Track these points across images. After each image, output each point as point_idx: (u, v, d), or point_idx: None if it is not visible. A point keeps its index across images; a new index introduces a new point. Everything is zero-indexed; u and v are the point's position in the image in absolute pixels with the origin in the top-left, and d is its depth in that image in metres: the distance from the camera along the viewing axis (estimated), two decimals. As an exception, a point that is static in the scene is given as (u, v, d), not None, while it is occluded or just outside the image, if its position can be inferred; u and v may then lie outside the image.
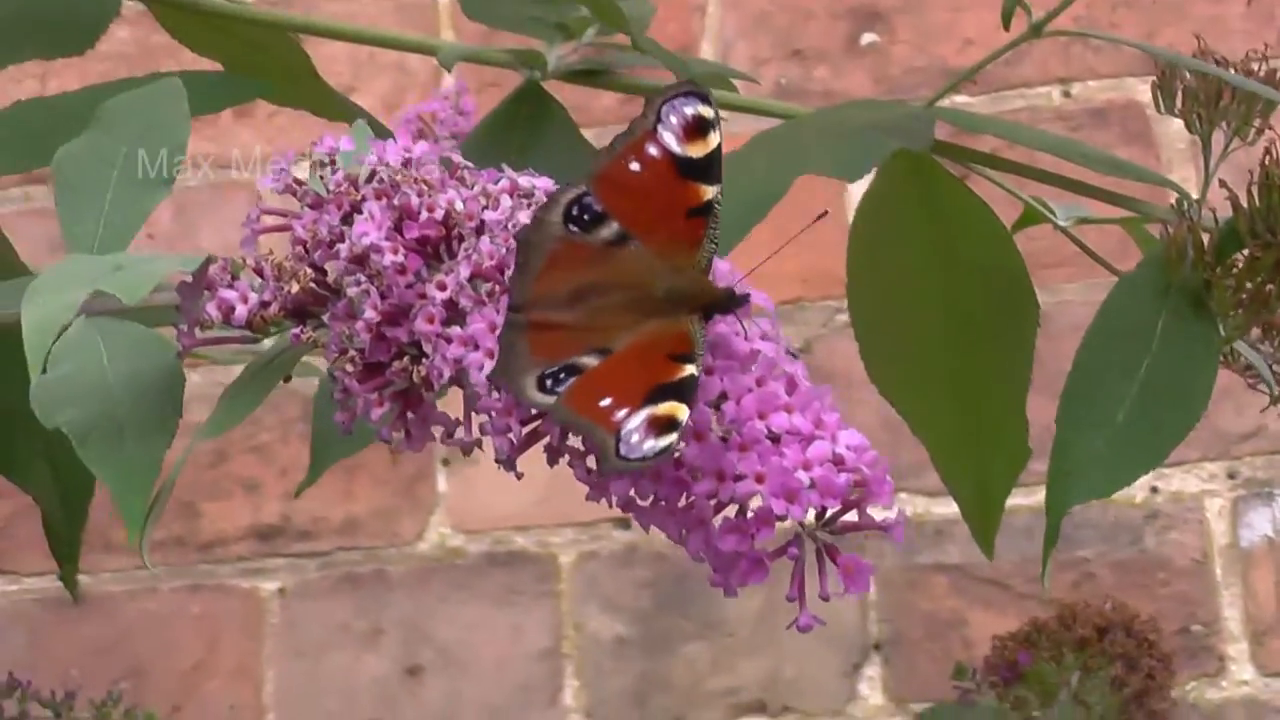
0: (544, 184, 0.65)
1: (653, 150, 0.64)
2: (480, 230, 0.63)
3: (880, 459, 0.60)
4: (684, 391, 0.59)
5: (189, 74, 0.76)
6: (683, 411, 0.58)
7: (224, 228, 1.76)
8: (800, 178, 0.86)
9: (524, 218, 0.63)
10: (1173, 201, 0.86)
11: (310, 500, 1.65)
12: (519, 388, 0.60)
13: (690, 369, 0.59)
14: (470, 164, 0.66)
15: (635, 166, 0.64)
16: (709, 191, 0.64)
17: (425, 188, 0.64)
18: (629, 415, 0.58)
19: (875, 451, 0.60)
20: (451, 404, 0.65)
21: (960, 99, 1.72)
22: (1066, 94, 1.72)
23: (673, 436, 0.57)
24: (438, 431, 0.65)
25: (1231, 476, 1.60)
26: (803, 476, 0.59)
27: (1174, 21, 1.69)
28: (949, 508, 1.57)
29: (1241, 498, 1.60)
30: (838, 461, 0.59)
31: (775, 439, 0.59)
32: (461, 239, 0.64)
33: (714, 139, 0.65)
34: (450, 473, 1.68)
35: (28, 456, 0.99)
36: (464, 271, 0.62)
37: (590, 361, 0.60)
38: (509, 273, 0.62)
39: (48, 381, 0.66)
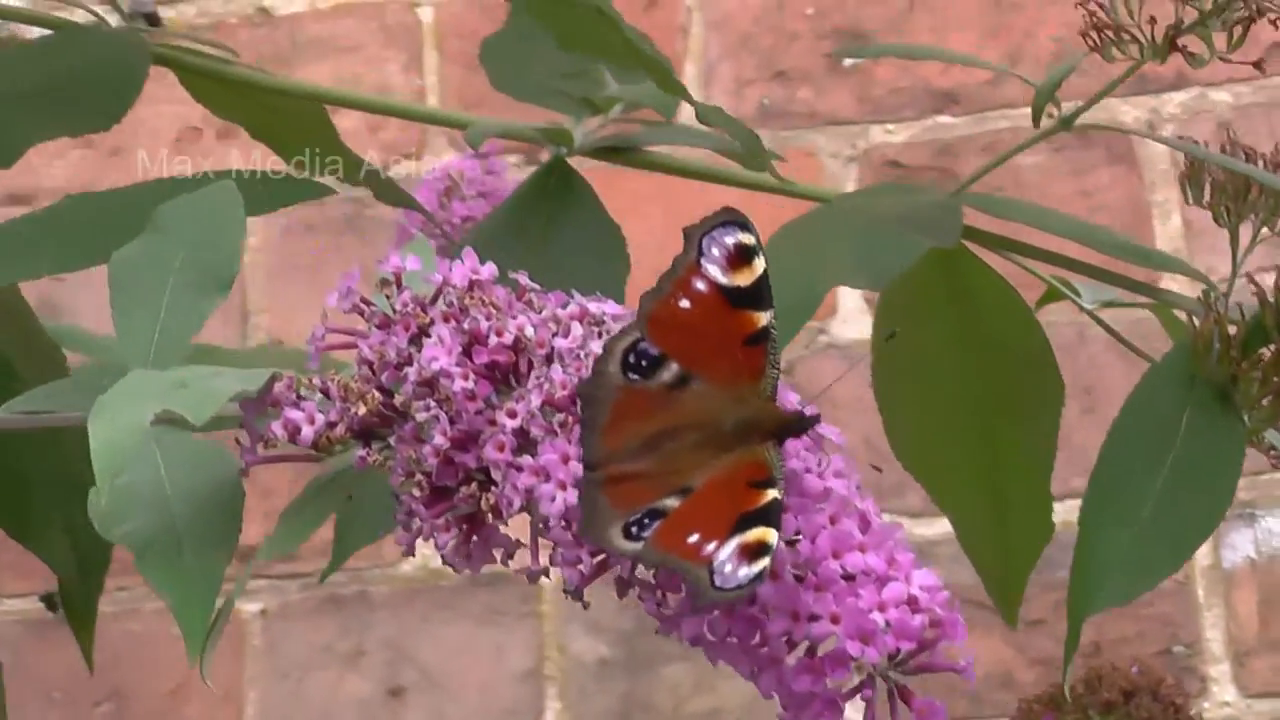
0: (612, 309, 0.65)
1: (700, 285, 0.64)
2: (551, 358, 0.63)
3: (953, 599, 0.60)
4: (770, 516, 0.59)
5: (241, 176, 0.76)
6: (772, 535, 0.58)
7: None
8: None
9: (596, 347, 0.63)
10: (1200, 293, 0.87)
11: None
12: (606, 541, 0.60)
13: (773, 493, 0.60)
14: (537, 286, 0.66)
15: (685, 304, 0.64)
16: (763, 318, 0.64)
17: (494, 311, 0.64)
18: (719, 547, 0.58)
19: (948, 592, 0.60)
20: (514, 523, 0.65)
21: (943, 119, 1.72)
22: (1051, 114, 1.72)
23: (765, 561, 0.57)
24: (498, 554, 0.65)
25: (1214, 498, 1.62)
26: (878, 618, 0.59)
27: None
28: (932, 529, 1.58)
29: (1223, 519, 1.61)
30: (912, 603, 0.60)
31: (850, 579, 0.60)
32: (531, 365, 0.64)
33: (759, 265, 0.65)
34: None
35: (45, 525, 0.98)
36: (535, 400, 0.63)
37: (672, 503, 0.60)
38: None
39: (106, 493, 0.66)
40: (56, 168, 1.75)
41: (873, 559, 0.60)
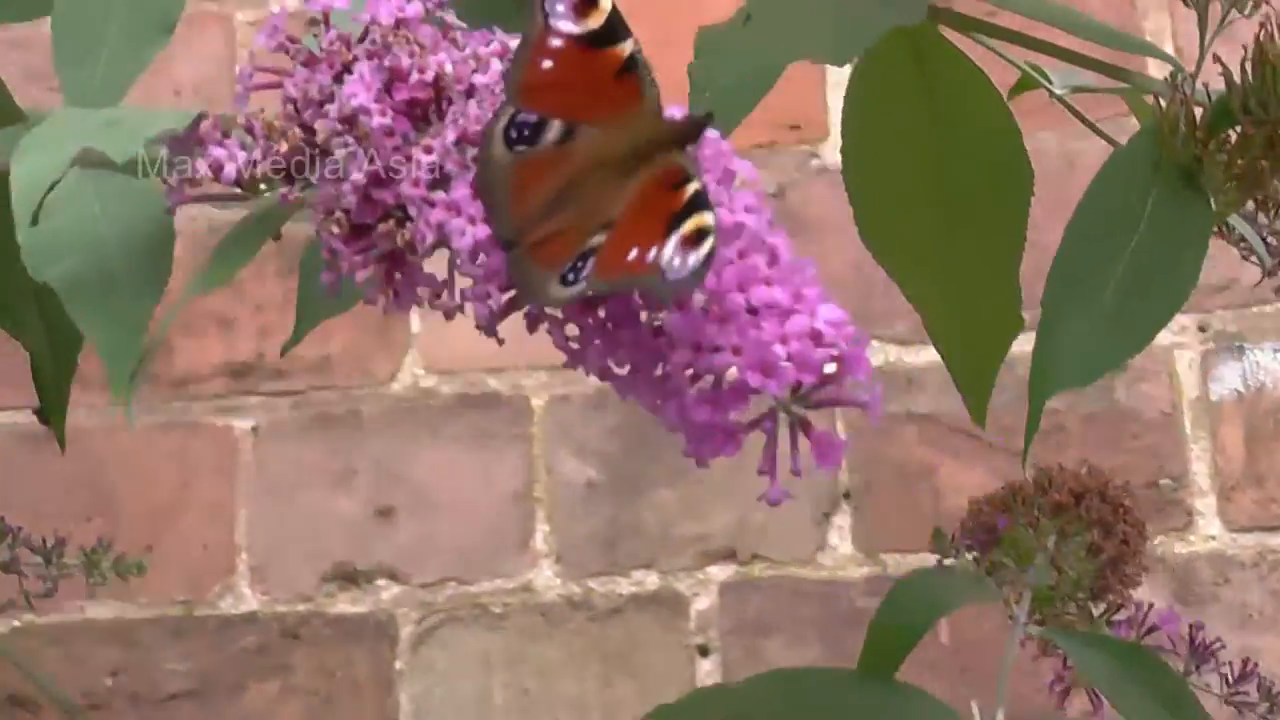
0: (534, 43, 0.65)
1: (555, 42, 0.65)
2: (469, 94, 0.64)
3: (860, 335, 0.60)
4: (698, 203, 0.60)
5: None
6: (707, 218, 0.59)
7: (198, 62, 1.76)
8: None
9: (513, 81, 0.64)
10: (1167, 75, 0.86)
11: (284, 339, 1.66)
12: (546, 298, 0.61)
13: (693, 184, 0.60)
14: (463, 25, 0.66)
15: (548, 64, 0.64)
16: (625, 48, 0.65)
17: (418, 49, 0.64)
18: (659, 250, 0.58)
19: (854, 327, 0.60)
20: (437, 264, 0.66)
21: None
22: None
23: (709, 241, 0.58)
24: (423, 294, 0.66)
25: (1202, 330, 1.62)
26: (779, 350, 0.59)
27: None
28: (920, 357, 1.59)
29: (1211, 351, 1.62)
30: (815, 336, 0.60)
31: (754, 312, 0.60)
32: (450, 102, 0.64)
33: (605, 4, 0.65)
34: (424, 313, 1.68)
35: (19, 304, 0.98)
36: (450, 136, 0.63)
37: (599, 240, 0.61)
38: None
39: (40, 234, 0.66)
40: None
41: (778, 293, 0.60)
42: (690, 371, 0.60)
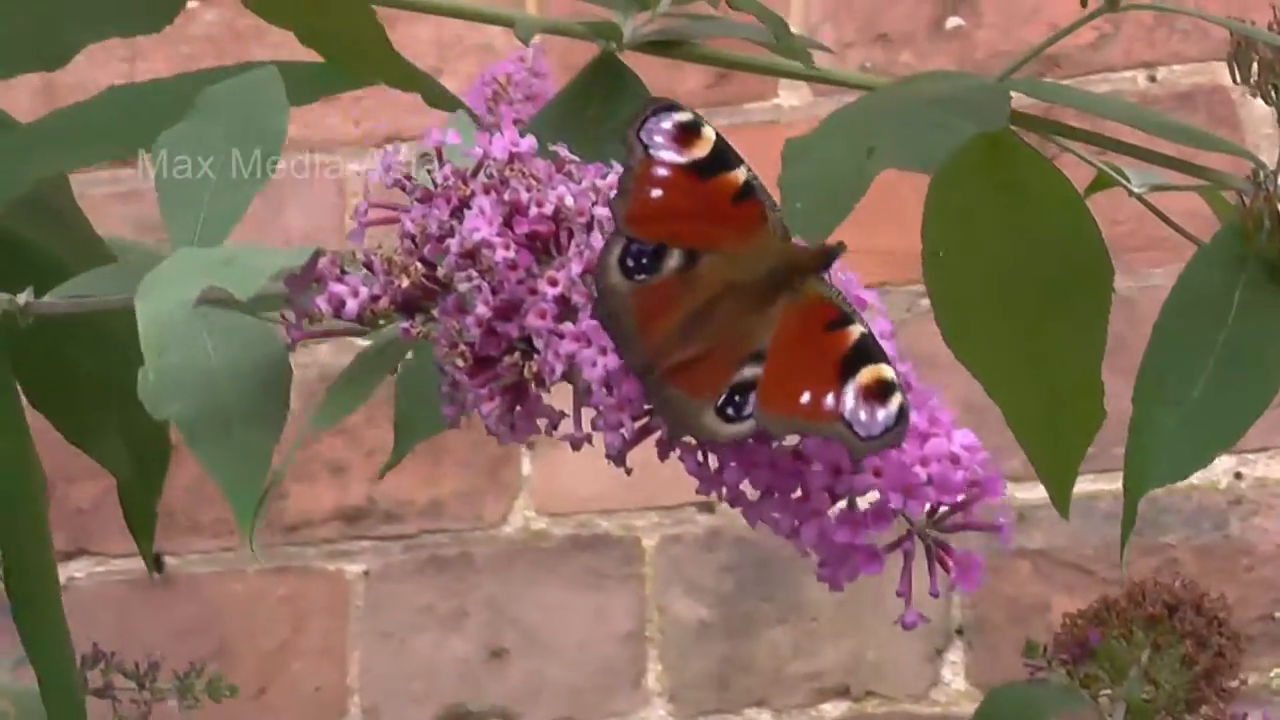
0: (654, 175, 0.65)
1: (662, 172, 0.64)
2: (590, 226, 0.63)
3: (991, 460, 0.60)
4: (870, 352, 0.59)
5: (283, 64, 0.76)
6: (887, 371, 0.58)
7: (309, 212, 1.77)
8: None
9: (635, 214, 0.63)
10: (1250, 172, 0.86)
11: (395, 483, 1.66)
12: (703, 430, 0.60)
13: (856, 329, 0.60)
14: (577, 157, 0.66)
15: (657, 193, 0.64)
16: (740, 174, 0.65)
17: (534, 182, 0.64)
18: (838, 398, 0.58)
19: (987, 452, 0.60)
20: (557, 395, 0.65)
21: (1045, 82, 1.70)
22: (1152, 78, 1.70)
23: (898, 397, 0.58)
24: (542, 424, 0.65)
25: (1317, 462, 1.60)
26: (920, 472, 0.59)
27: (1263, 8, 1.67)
28: (1032, 492, 1.56)
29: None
30: (954, 459, 0.59)
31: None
32: (571, 234, 0.64)
33: (709, 133, 0.65)
34: (534, 455, 1.68)
35: (103, 429, 0.98)
36: (576, 268, 0.63)
37: (752, 372, 0.60)
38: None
39: (155, 371, 0.66)
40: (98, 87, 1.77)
41: (915, 416, 0.60)
42: (829, 493, 0.60)
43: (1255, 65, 0.87)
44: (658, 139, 0.64)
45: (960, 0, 1.75)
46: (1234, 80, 0.86)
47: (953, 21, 1.75)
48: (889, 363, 0.59)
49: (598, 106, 0.94)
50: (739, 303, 0.62)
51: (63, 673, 0.81)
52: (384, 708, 1.67)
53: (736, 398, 0.60)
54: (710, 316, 0.62)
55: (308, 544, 1.70)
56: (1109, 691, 1.06)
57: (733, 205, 0.64)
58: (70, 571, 1.69)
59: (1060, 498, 0.97)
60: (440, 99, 1.01)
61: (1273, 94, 0.86)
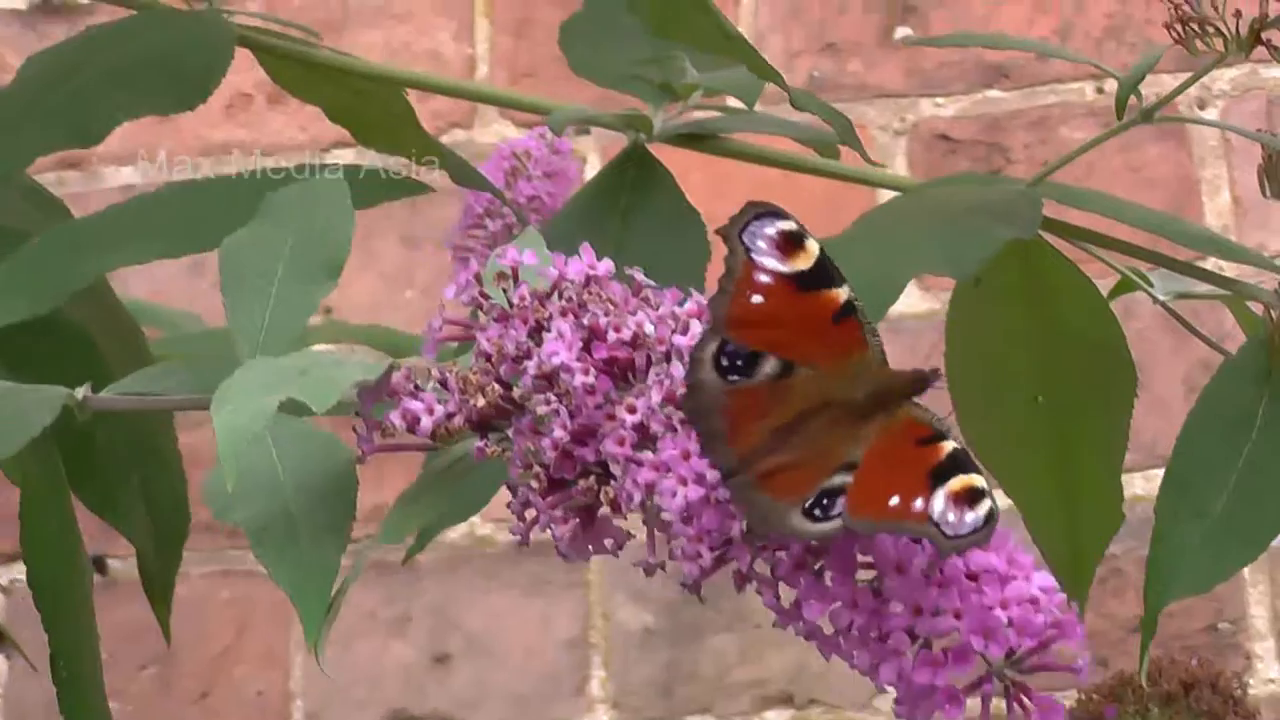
0: (732, 309, 0.66)
1: (764, 278, 0.65)
2: (669, 355, 0.64)
3: (1069, 602, 0.61)
4: (962, 463, 0.60)
5: (347, 168, 0.77)
6: (978, 480, 0.59)
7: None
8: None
9: (715, 345, 0.64)
10: (1277, 284, 0.87)
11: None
12: (789, 529, 0.61)
13: (950, 443, 0.61)
14: (653, 283, 0.66)
15: (758, 299, 0.65)
16: (842, 293, 0.65)
17: (611, 306, 0.65)
18: (927, 501, 0.59)
19: (1063, 594, 0.61)
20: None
21: (993, 93, 1.72)
22: (1099, 90, 1.72)
23: (988, 502, 0.59)
24: (609, 544, 0.66)
25: (1263, 478, 1.62)
26: (1000, 615, 0.60)
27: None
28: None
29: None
30: (1033, 602, 0.60)
31: (973, 577, 0.61)
32: (649, 361, 0.64)
33: (813, 246, 0.65)
34: (477, 460, 1.68)
35: (122, 497, 0.99)
36: (656, 396, 0.63)
37: (841, 480, 0.61)
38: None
39: (219, 477, 0.66)
40: (110, 134, 1.75)
41: (995, 559, 0.61)
42: (909, 633, 0.61)
43: None
44: (760, 244, 0.65)
45: (909, 10, 1.76)
46: (1263, 194, 0.87)
47: (901, 31, 1.76)
48: (982, 474, 0.60)
49: (629, 197, 0.95)
50: (833, 420, 0.63)
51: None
52: (326, 713, 1.67)
53: (824, 500, 0.60)
54: (802, 430, 0.63)
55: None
56: (1125, 768, 1.07)
57: (833, 323, 0.65)
58: (13, 573, 1.68)
59: (1078, 596, 0.99)
60: (466, 175, 1.01)
61: None
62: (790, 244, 0.65)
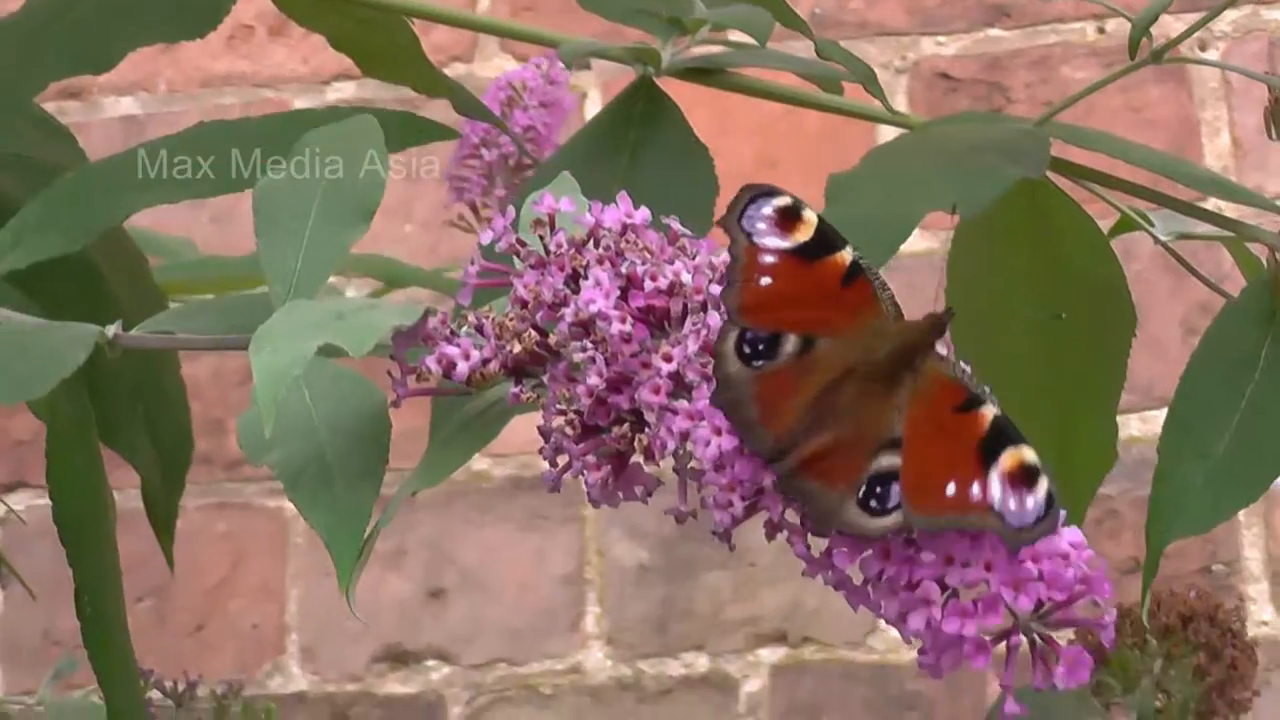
0: (769, 257, 0.66)
1: (768, 259, 0.65)
2: (706, 305, 0.64)
3: (1098, 557, 0.61)
4: (1006, 433, 0.60)
5: (378, 112, 0.77)
6: (1028, 454, 0.59)
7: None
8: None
9: (751, 294, 0.64)
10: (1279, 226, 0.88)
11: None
12: (850, 526, 0.60)
13: (988, 410, 0.61)
14: (689, 232, 0.67)
15: (766, 281, 0.64)
16: (845, 256, 0.65)
17: (648, 255, 0.65)
18: (984, 490, 0.59)
19: (1092, 550, 0.61)
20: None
21: (994, 32, 1.72)
22: (1101, 30, 1.72)
23: (1045, 483, 0.59)
24: (639, 490, 0.66)
25: (1258, 417, 1.63)
26: (1031, 568, 0.60)
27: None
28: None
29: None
30: (1064, 557, 0.60)
31: (1005, 527, 0.61)
32: (686, 310, 0.64)
33: (810, 216, 0.65)
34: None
35: (129, 427, 0.99)
36: (692, 345, 0.63)
37: (888, 461, 0.61)
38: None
39: (253, 419, 0.67)
40: (110, 65, 1.75)
41: (1028, 512, 0.61)
42: (939, 583, 0.61)
43: None
44: (760, 225, 0.65)
45: (912, -51, 1.76)
46: (1269, 135, 0.88)
47: (901, -29, 1.76)
48: (1028, 443, 0.60)
49: (638, 131, 0.95)
50: (862, 386, 0.63)
51: (129, 695, 0.81)
52: (321, 646, 1.68)
53: (878, 489, 0.60)
54: (834, 402, 0.62)
55: (248, 480, 1.70)
56: (1120, 700, 1.08)
57: (843, 287, 0.65)
58: (9, 504, 1.68)
59: (1073, 516, 0.99)
60: (467, 105, 1.01)
61: None
62: (788, 218, 0.65)
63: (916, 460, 0.61)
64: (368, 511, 0.67)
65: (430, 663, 1.67)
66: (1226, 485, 0.81)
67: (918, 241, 1.65)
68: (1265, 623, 1.59)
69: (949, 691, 1.59)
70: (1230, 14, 1.70)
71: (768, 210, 0.65)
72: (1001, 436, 0.60)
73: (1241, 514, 1.61)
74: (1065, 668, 0.61)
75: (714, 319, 0.64)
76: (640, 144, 0.96)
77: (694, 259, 0.65)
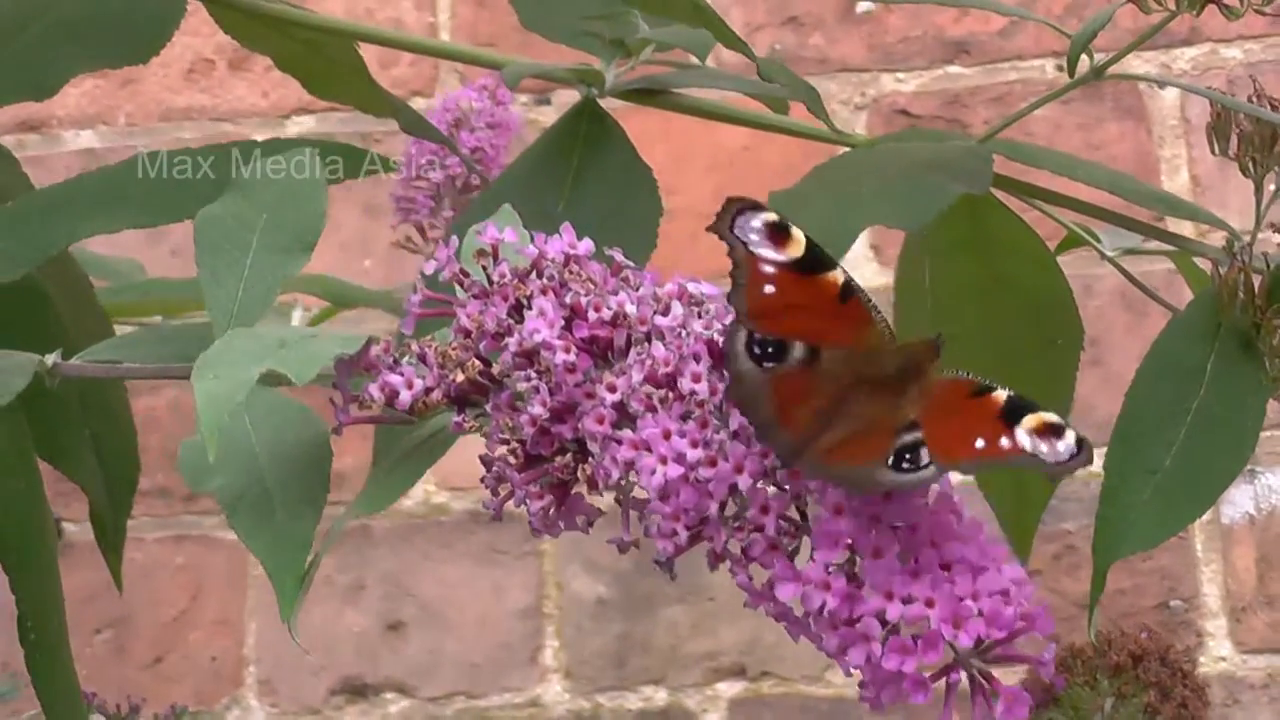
0: (709, 289, 0.66)
1: (768, 269, 0.66)
2: (650, 335, 0.64)
3: (1040, 595, 0.61)
4: (1025, 403, 0.62)
5: (320, 143, 0.77)
6: (1051, 415, 0.61)
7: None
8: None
9: (696, 326, 0.64)
10: (1224, 242, 0.88)
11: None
12: (880, 483, 0.61)
13: (1003, 391, 0.62)
14: (631, 263, 0.67)
15: (770, 289, 0.65)
16: (839, 275, 0.66)
17: (591, 286, 0.65)
18: (1013, 437, 0.61)
19: (1033, 586, 0.61)
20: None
21: (953, 69, 1.73)
22: (1060, 67, 1.73)
23: (1071, 431, 0.61)
24: (580, 520, 0.67)
25: (1217, 454, 1.63)
26: (971, 605, 0.60)
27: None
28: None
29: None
30: (1005, 594, 0.61)
31: (946, 567, 0.61)
32: (629, 341, 0.64)
33: (798, 233, 0.66)
34: (433, 428, 1.68)
35: (75, 447, 0.99)
36: (637, 376, 0.63)
37: (912, 436, 0.62)
38: (681, 381, 0.63)
39: (195, 446, 0.66)
40: (69, 96, 1.75)
41: (969, 550, 0.61)
42: (880, 619, 0.61)
43: (1234, 138, 0.88)
44: (753, 236, 0.66)
45: (870, -16, 1.76)
46: (1212, 151, 0.88)
47: (863, 6, 1.76)
48: (1049, 412, 0.61)
49: (581, 152, 0.94)
50: (872, 393, 0.64)
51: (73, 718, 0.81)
52: (280, 679, 1.67)
53: (907, 455, 0.61)
54: (847, 405, 0.63)
55: (207, 513, 1.69)
56: (1071, 739, 1.08)
57: (840, 304, 0.66)
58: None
59: (1021, 547, 1.00)
60: (414, 125, 1.01)
61: (1250, 165, 0.88)
62: (778, 233, 0.66)
63: (941, 430, 0.62)
64: (309, 540, 0.67)
65: (389, 695, 1.66)
66: (1174, 500, 0.81)
67: (877, 276, 1.65)
68: (1223, 658, 1.59)
69: (907, 726, 1.59)
70: (1189, 52, 1.70)
71: (757, 223, 0.66)
72: (1021, 406, 0.62)
73: (1200, 550, 1.61)
74: (1004, 705, 0.61)
75: (659, 350, 0.64)
76: (584, 166, 0.96)
77: (637, 290, 0.65)
